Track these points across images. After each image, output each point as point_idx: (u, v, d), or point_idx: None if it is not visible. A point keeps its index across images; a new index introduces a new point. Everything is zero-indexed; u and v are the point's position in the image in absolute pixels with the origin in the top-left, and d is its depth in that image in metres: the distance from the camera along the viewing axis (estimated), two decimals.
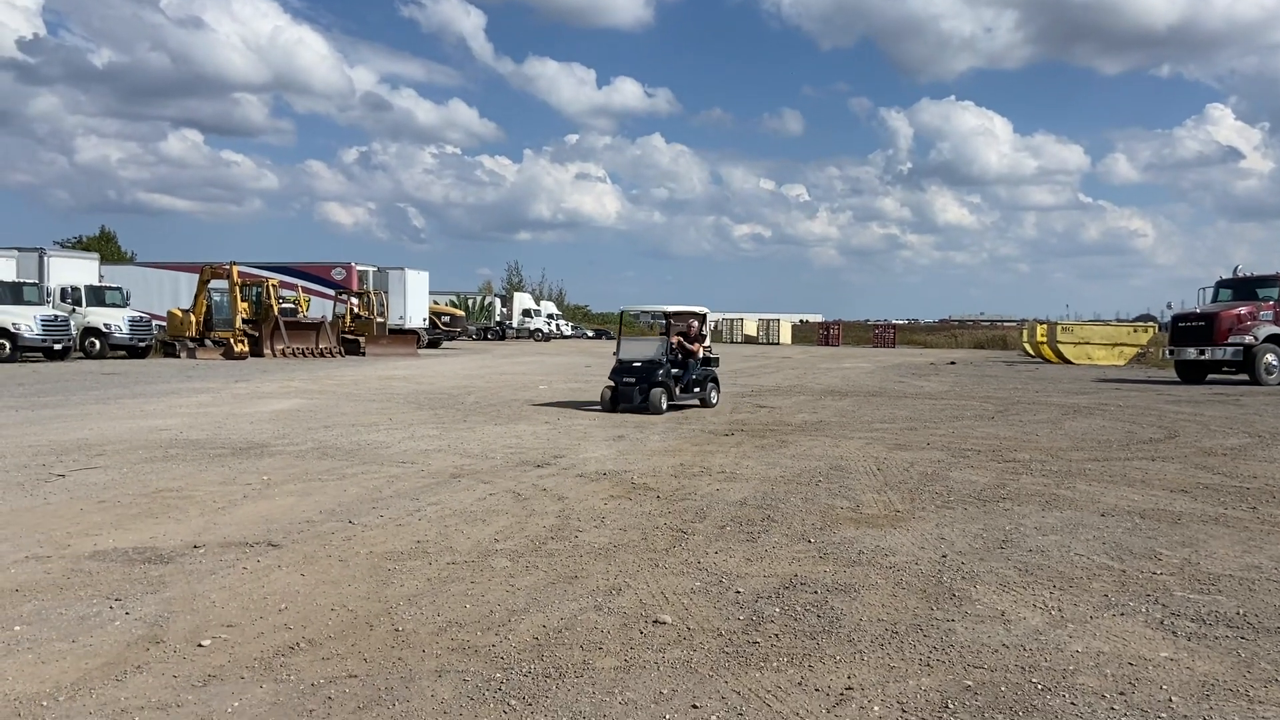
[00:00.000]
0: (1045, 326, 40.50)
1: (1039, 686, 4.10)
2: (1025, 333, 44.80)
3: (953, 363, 36.91)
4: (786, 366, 32.06)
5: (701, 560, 6.16)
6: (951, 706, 3.89)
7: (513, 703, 3.90)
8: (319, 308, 37.79)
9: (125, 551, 6.16)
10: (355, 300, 37.98)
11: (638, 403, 15.19)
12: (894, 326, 68.99)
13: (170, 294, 38.16)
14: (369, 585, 5.56)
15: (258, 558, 6.09)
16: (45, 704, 3.84)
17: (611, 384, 15.65)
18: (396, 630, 4.79)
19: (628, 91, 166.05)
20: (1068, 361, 36.12)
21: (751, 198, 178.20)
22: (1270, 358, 23.16)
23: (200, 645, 4.51)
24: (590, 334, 69.34)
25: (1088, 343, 37.17)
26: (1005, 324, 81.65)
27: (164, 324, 33.35)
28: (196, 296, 32.91)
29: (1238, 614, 5.12)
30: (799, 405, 17.35)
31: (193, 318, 32.65)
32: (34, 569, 5.74)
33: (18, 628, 4.72)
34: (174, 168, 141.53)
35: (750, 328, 66.87)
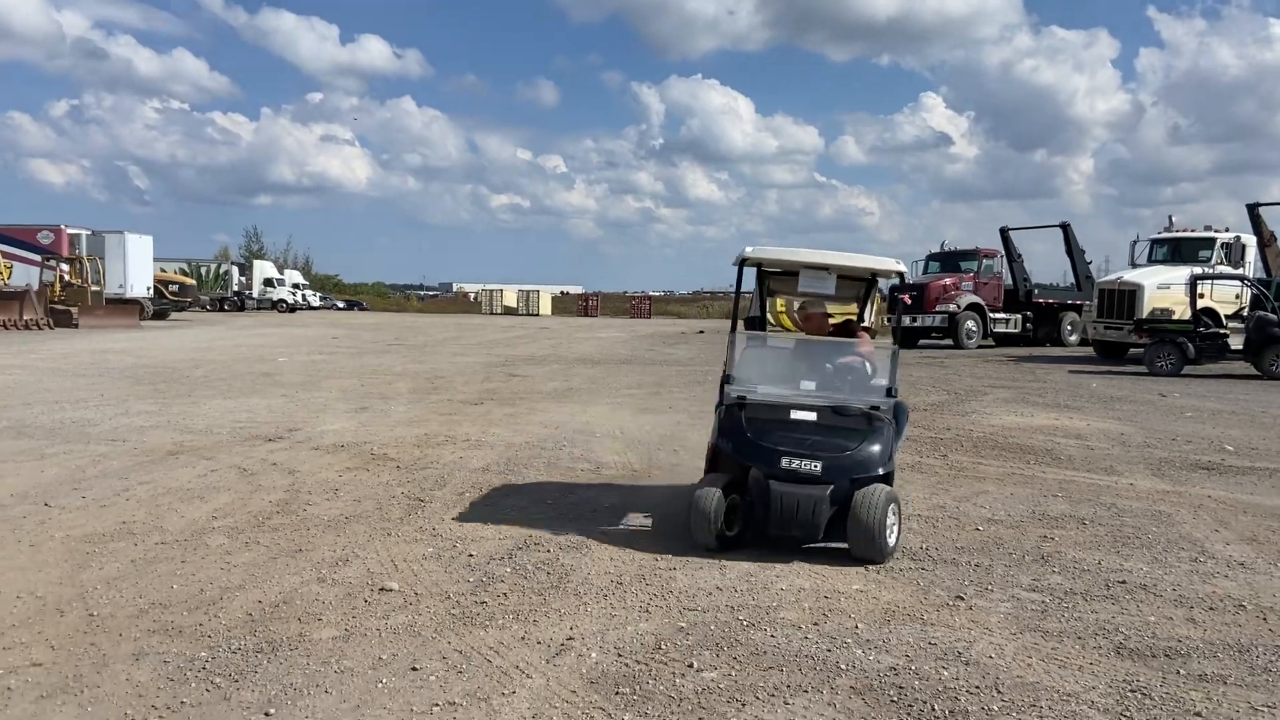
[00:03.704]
0: (784, 300, 43.10)
1: (744, 623, 4.38)
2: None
3: (701, 332, 38.48)
4: (543, 337, 32.20)
5: (437, 527, 6.09)
6: (664, 648, 4.08)
7: (217, 680, 3.69)
8: (23, 275, 33.78)
9: None
10: (66, 267, 34.27)
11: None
12: (650, 298, 70.84)
13: None
14: (62, 570, 5.07)
15: None
16: None
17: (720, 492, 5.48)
18: (91, 615, 4.40)
19: (375, 50, 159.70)
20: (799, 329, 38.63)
21: (508, 167, 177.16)
22: (970, 324, 25.92)
23: None
24: (340, 305, 66.44)
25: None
26: (746, 295, 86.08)
27: None
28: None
29: (921, 548, 5.70)
30: (551, 373, 17.49)
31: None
32: None
33: None
34: None
35: (510, 299, 66.56)
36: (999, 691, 3.70)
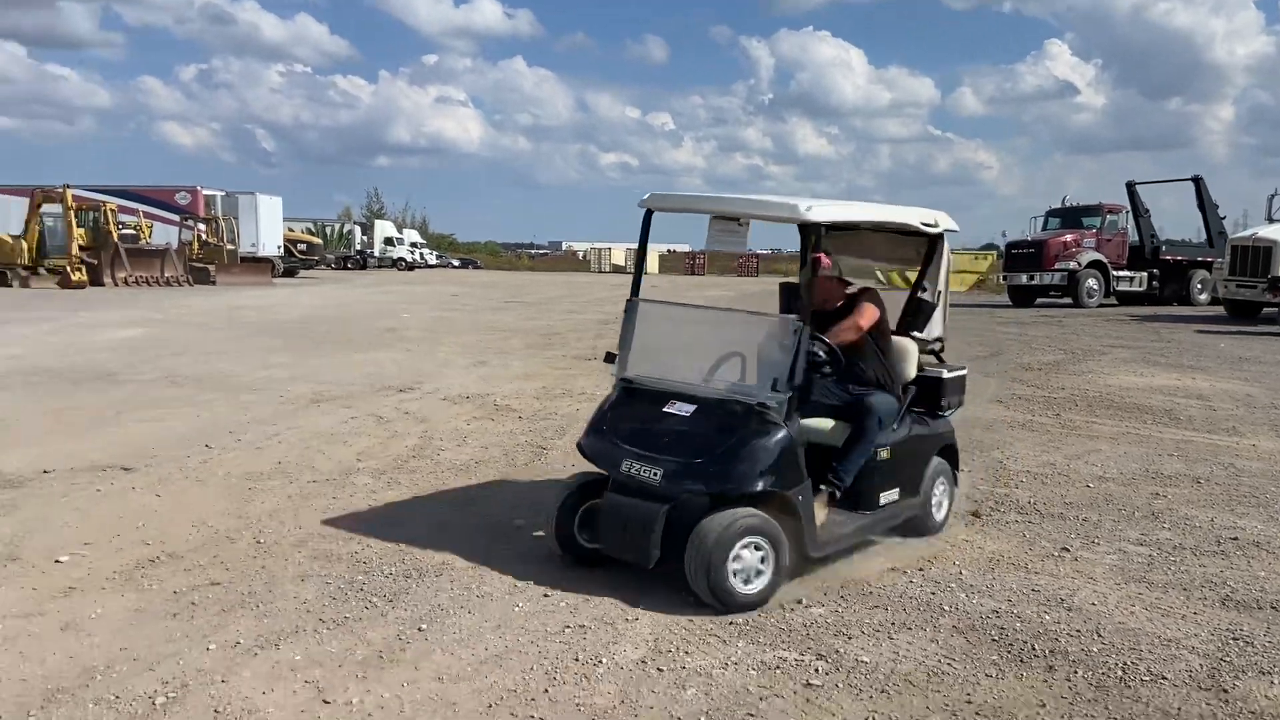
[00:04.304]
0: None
1: (851, 565, 4.63)
2: None
3: None
4: (652, 295, 32.60)
5: (558, 473, 6.48)
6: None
7: (375, 600, 4.14)
8: (163, 234, 35.85)
9: None
10: (203, 226, 36.20)
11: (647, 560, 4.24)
12: (758, 256, 70.35)
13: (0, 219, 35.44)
14: (228, 504, 5.64)
15: (110, 481, 6.06)
16: None
17: (573, 491, 4.70)
18: (258, 542, 4.93)
19: (487, 11, 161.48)
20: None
21: (617, 126, 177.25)
22: (1091, 282, 25.06)
23: (58, 561, 4.56)
24: (455, 263, 68.17)
25: (961, 271, 39.08)
26: None
27: None
28: (28, 222, 30.71)
29: (1029, 503, 5.81)
30: None
31: (24, 244, 30.49)
32: None
33: None
34: None
35: (618, 257, 67.11)
36: (1100, 635, 3.85)
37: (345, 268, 54.45)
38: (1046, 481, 6.35)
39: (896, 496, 4.84)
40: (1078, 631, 3.89)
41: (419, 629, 3.83)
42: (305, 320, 18.64)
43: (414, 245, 61.09)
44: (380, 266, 56.16)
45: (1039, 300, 26.62)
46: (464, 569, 4.54)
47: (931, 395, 5.13)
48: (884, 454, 4.73)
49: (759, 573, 4.06)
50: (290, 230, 45.83)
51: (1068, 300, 25.49)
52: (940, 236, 5.24)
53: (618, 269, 65.10)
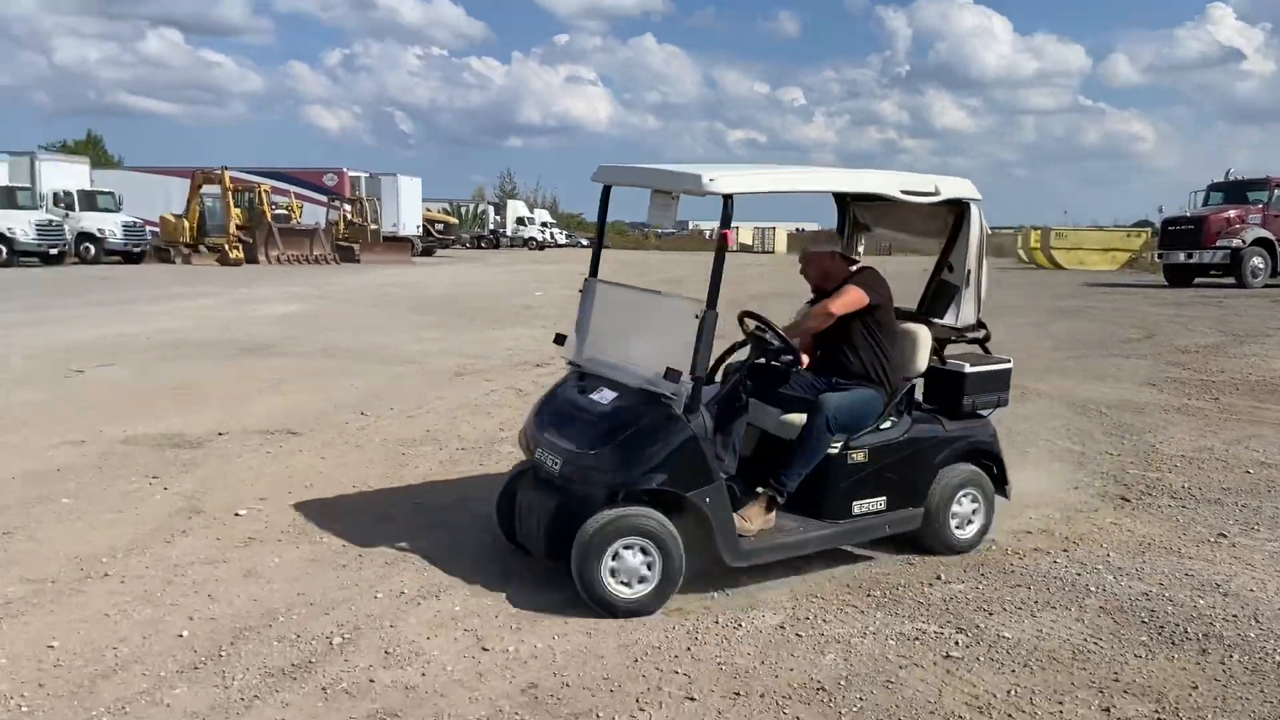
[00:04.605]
0: (1039, 232, 40.61)
1: (991, 546, 4.59)
2: (1020, 239, 44.91)
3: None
4: (776, 275, 32.32)
5: None
6: (913, 561, 4.37)
7: (526, 558, 4.36)
8: (312, 214, 37.69)
9: (154, 438, 6.58)
10: (349, 207, 37.86)
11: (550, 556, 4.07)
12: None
13: (162, 199, 37.87)
14: (386, 467, 6.00)
15: (279, 444, 6.52)
16: (104, 560, 4.29)
17: (514, 478, 4.54)
18: (415, 504, 5.24)
19: None
20: (1060, 267, 36.37)
21: (746, 102, 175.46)
22: (1256, 260, 23.47)
23: (237, 515, 4.96)
24: (585, 242, 69.11)
25: (1081, 248, 37.35)
26: (1002, 231, 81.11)
27: (157, 229, 33.33)
28: (189, 202, 32.81)
29: (1183, 488, 5.60)
30: (787, 310, 17.69)
31: (186, 223, 32.63)
32: (70, 452, 6.16)
33: (65, 500, 5.15)
34: (154, 68, 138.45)
35: (745, 236, 66.81)
36: (1257, 621, 3.73)
37: (479, 246, 55.98)
38: (1203, 466, 6.09)
39: (881, 506, 4.26)
40: (1234, 616, 3.77)
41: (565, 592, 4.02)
42: (446, 297, 19.33)
43: (544, 225, 62.26)
44: (512, 245, 57.50)
45: (1197, 280, 25.12)
46: None
47: (950, 392, 4.52)
48: (858, 456, 4.18)
49: (643, 579, 3.74)
50: (428, 210, 47.42)
51: (1230, 280, 23.96)
52: (966, 207, 4.53)
53: (745, 248, 64.75)
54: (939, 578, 4.18)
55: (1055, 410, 7.84)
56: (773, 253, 60.16)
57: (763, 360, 4.34)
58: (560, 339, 4.57)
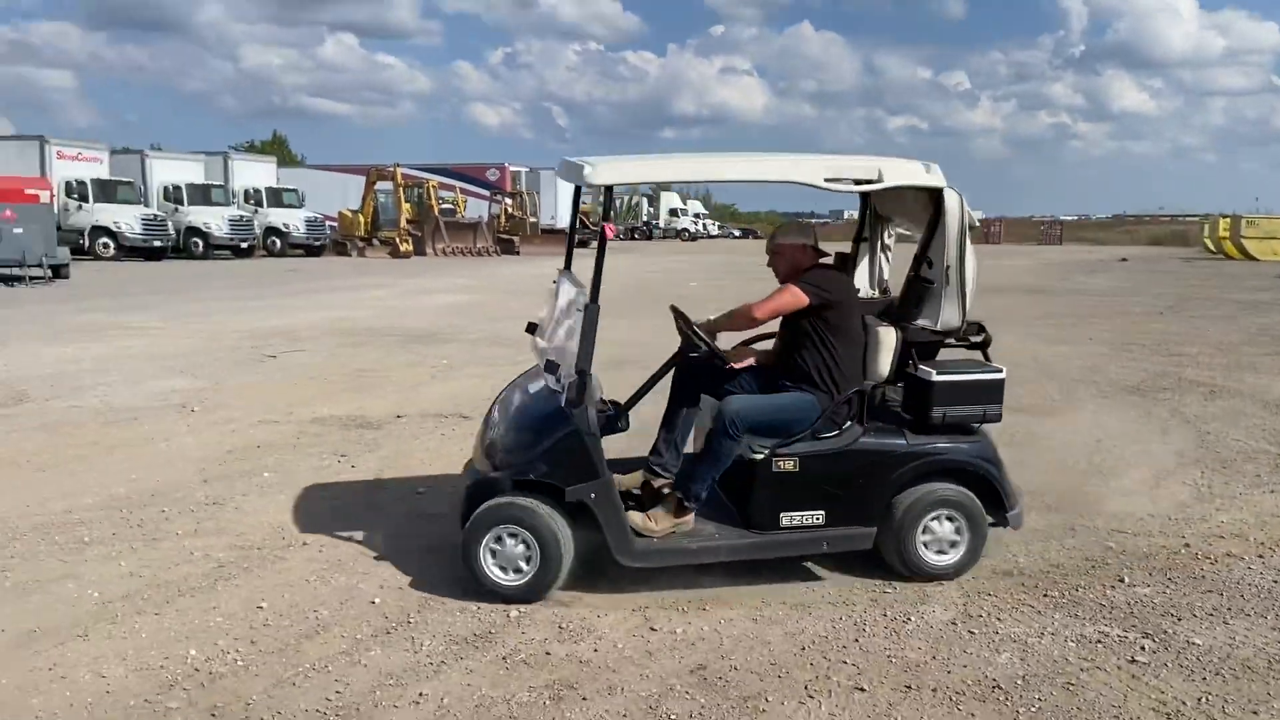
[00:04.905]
0: (1228, 221, 37.79)
1: (1179, 550, 4.36)
2: (1207, 228, 41.90)
3: (1124, 260, 35.12)
4: None
5: None
6: (1094, 562, 4.21)
7: None
8: (475, 208, 39.10)
9: (341, 419, 7.03)
10: (509, 200, 39.06)
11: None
12: (1061, 223, 65.26)
13: (339, 195, 40.14)
14: None
15: (452, 426, 6.85)
16: (303, 530, 4.64)
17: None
18: None
19: None
20: (1252, 258, 33.77)
21: (906, 88, 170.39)
22: None
23: (418, 493, 5.26)
24: (737, 233, 69.00)
25: (1274, 237, 34.54)
26: (1187, 219, 75.83)
27: (335, 224, 35.34)
28: (364, 198, 34.61)
29: None
30: None
31: (361, 218, 34.43)
32: (269, 430, 6.66)
33: (266, 475, 5.59)
34: (331, 72, 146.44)
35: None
36: None
37: (632, 238, 56.65)
38: None
39: (818, 521, 3.93)
40: None
41: (735, 576, 4.08)
42: (605, 288, 19.67)
43: (697, 216, 62.52)
44: (664, 237, 57.95)
45: None
46: None
47: (918, 403, 4.03)
48: (786, 465, 3.89)
49: (519, 569, 3.78)
50: (584, 203, 48.31)
51: None
52: (941, 195, 4.00)
53: (904, 238, 62.99)
54: (1122, 580, 4.01)
55: (1248, 409, 7.34)
56: None
57: (695, 355, 4.23)
58: (531, 328, 4.60)
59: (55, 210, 22.79)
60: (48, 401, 7.54)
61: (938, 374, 3.95)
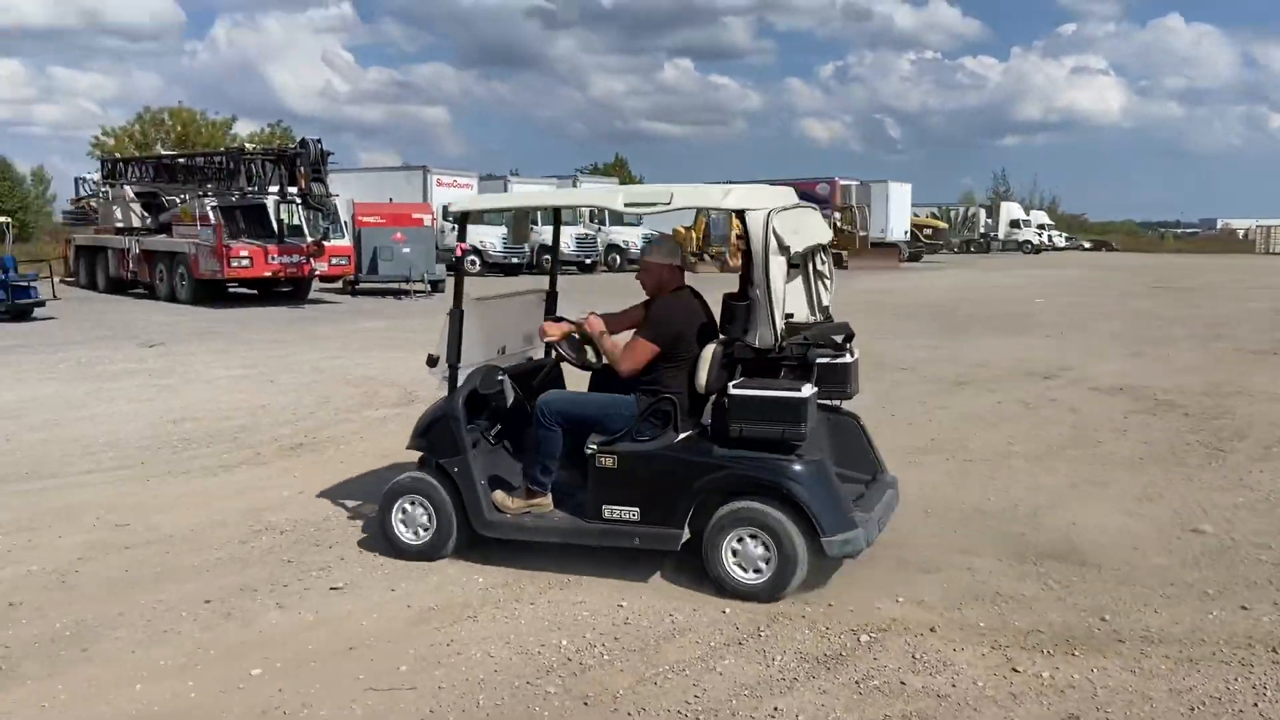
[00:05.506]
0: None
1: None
2: None
3: None
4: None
5: (1244, 478, 5.81)
6: None
7: (1051, 583, 4.16)
8: None
9: None
10: (838, 214, 38.74)
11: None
12: None
13: (676, 214, 41.94)
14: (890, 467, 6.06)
15: None
16: None
17: None
18: (925, 511, 5.22)
19: None
20: None
21: None
22: None
23: None
24: (1086, 245, 63.57)
25: None
26: None
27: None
28: (697, 216, 35.89)
29: None
30: None
31: (694, 234, 35.73)
32: None
33: None
34: (669, 95, 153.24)
35: None
36: None
37: (968, 251, 54.01)
38: None
39: (634, 517, 4.14)
40: None
41: (1103, 619, 3.77)
42: (937, 303, 19.00)
43: (1041, 227, 58.33)
44: (1004, 250, 54.63)
45: None
46: (1146, 568, 4.33)
47: (721, 416, 4.10)
48: (606, 461, 4.17)
49: (424, 529, 4.49)
50: (916, 216, 46.84)
51: None
52: (743, 219, 4.20)
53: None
54: None
55: None
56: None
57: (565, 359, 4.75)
58: (432, 361, 4.84)
59: (435, 231, 25.82)
60: None
61: (734, 388, 4.03)
